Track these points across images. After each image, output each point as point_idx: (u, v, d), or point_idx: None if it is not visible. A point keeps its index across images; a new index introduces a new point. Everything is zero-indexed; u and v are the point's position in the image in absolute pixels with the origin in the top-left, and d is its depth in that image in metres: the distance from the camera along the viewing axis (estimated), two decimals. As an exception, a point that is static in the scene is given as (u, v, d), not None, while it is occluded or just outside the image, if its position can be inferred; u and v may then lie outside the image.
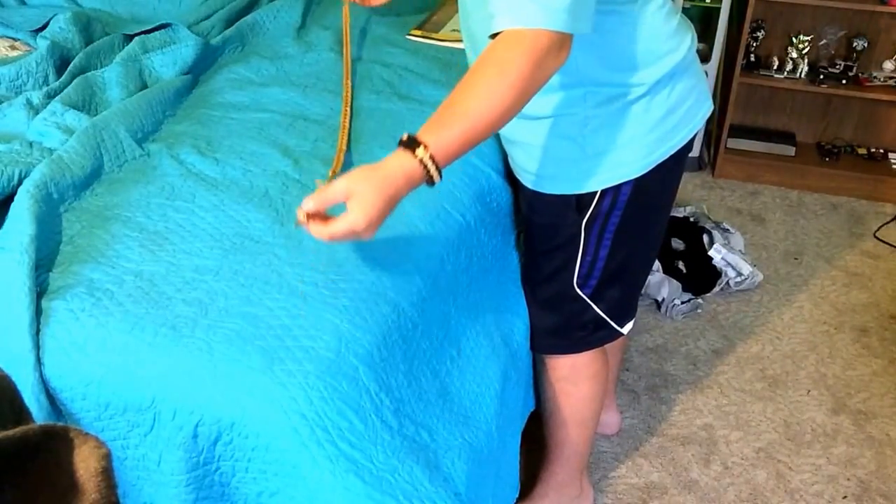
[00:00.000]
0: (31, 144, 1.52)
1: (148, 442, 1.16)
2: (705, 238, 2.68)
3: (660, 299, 2.54)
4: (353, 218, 1.12)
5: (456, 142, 1.15)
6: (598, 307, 1.59)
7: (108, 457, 0.52)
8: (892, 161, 3.14)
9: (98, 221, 1.36)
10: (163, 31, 1.92)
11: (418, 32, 2.06)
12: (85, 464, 0.51)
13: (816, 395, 2.27)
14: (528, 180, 1.51)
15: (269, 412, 1.10)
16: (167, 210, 1.39)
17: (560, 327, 1.64)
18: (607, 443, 2.12)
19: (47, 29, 1.92)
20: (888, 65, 3.00)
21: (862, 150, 3.20)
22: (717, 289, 2.59)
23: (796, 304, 2.58)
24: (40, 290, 1.22)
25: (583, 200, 1.46)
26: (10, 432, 0.49)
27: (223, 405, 1.12)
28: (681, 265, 2.63)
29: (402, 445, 1.19)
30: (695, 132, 1.47)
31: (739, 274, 2.59)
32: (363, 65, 1.90)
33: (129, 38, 1.93)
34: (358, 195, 1.12)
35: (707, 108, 1.49)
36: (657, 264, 2.56)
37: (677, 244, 2.70)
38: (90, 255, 1.29)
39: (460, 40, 2.02)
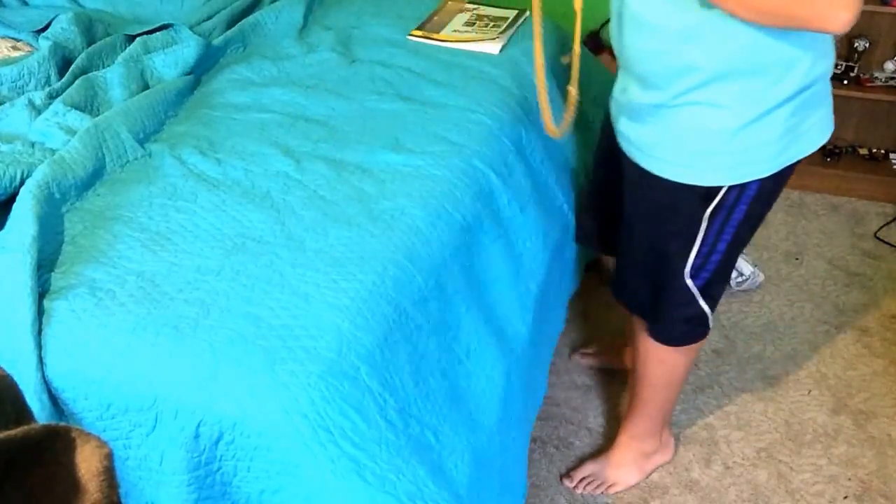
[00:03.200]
0: (33, 145, 1.52)
1: (150, 442, 1.16)
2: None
3: (661, 299, 2.54)
4: None
5: None
6: (704, 302, 1.62)
7: (109, 456, 0.52)
8: (894, 161, 3.14)
9: (100, 221, 1.37)
10: (165, 31, 1.93)
11: (419, 33, 2.07)
12: (87, 463, 0.51)
13: (817, 395, 2.27)
14: (655, 166, 1.50)
15: (271, 412, 1.11)
16: (169, 210, 1.40)
17: (662, 316, 1.67)
18: (608, 443, 2.12)
19: (49, 29, 1.93)
20: (889, 65, 3.00)
21: (863, 151, 3.19)
22: (718, 289, 2.59)
23: (797, 305, 2.57)
24: (42, 291, 1.23)
25: (710, 191, 1.48)
26: (12, 432, 0.50)
27: (225, 405, 1.12)
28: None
29: (406, 445, 1.19)
30: (823, 142, 1.49)
31: (741, 274, 2.59)
32: (364, 66, 1.91)
33: (131, 38, 1.93)
34: None
35: (832, 124, 1.51)
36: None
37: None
38: (92, 255, 1.29)
39: (461, 41, 2.03)
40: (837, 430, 2.17)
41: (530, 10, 1.47)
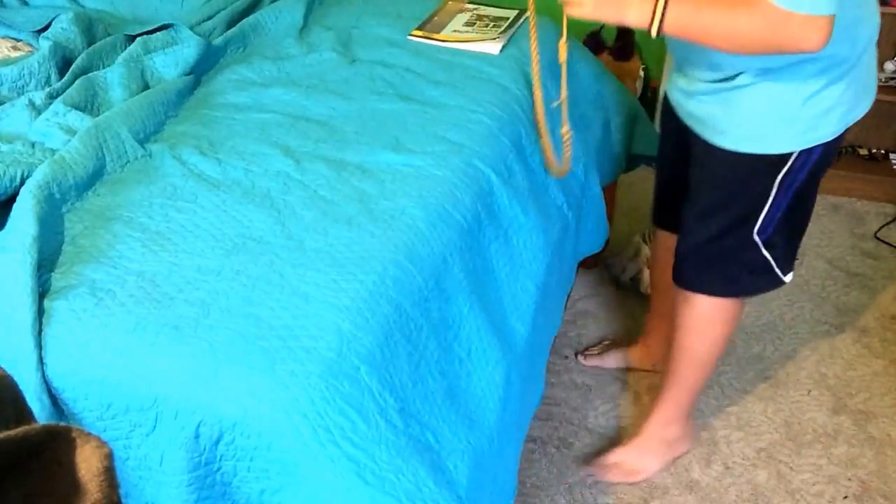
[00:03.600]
0: (33, 145, 1.52)
1: (150, 442, 1.16)
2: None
3: (661, 299, 2.55)
4: None
5: (685, 19, 1.37)
6: (769, 253, 1.70)
7: (109, 456, 0.52)
8: (893, 161, 3.14)
9: (100, 222, 1.37)
10: (165, 31, 1.93)
11: (419, 33, 2.07)
12: (87, 464, 0.51)
13: (817, 396, 2.27)
14: (727, 142, 1.60)
15: (271, 412, 1.11)
16: (169, 210, 1.40)
17: (728, 271, 1.75)
18: (608, 442, 2.12)
19: (49, 29, 1.93)
20: (889, 66, 3.00)
21: (863, 151, 3.19)
22: (718, 289, 2.58)
23: (797, 305, 2.58)
24: (42, 291, 1.23)
25: (782, 158, 1.57)
26: (13, 432, 0.50)
27: (225, 405, 1.12)
28: (682, 265, 2.63)
29: (406, 445, 1.19)
30: (871, 102, 1.61)
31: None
32: (364, 66, 1.91)
33: (132, 38, 1.93)
34: None
35: (876, 79, 1.62)
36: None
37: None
38: (92, 255, 1.29)
39: (461, 41, 2.03)
40: (837, 431, 2.17)
41: (530, 63, 1.68)
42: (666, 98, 1.80)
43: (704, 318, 1.83)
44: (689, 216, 1.77)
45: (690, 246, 1.78)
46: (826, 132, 1.55)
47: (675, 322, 1.90)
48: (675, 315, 1.90)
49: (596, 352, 2.36)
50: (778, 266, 1.74)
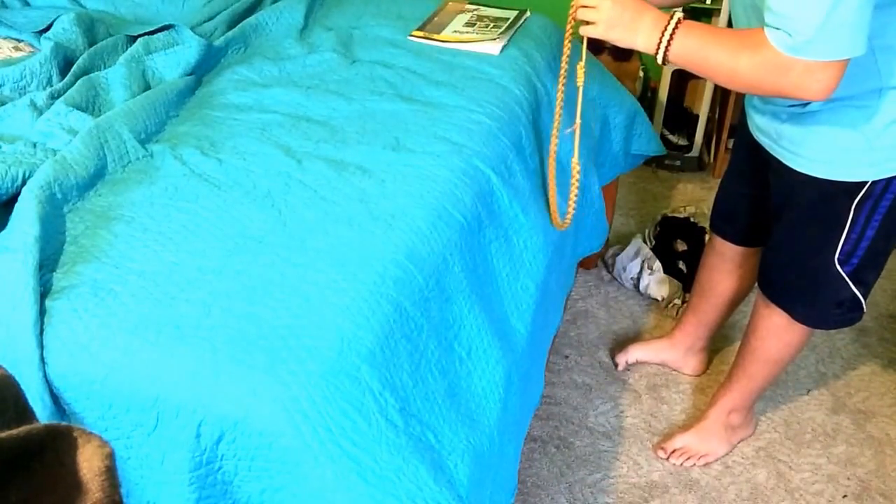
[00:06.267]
0: (34, 145, 1.53)
1: (151, 441, 1.16)
2: (706, 238, 2.68)
3: (660, 299, 2.55)
4: None
5: (690, 51, 1.39)
6: (856, 288, 1.67)
7: (111, 456, 0.53)
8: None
9: (102, 222, 1.37)
10: (166, 32, 1.93)
11: (420, 34, 2.07)
12: (88, 463, 0.52)
13: (816, 395, 2.27)
14: (799, 163, 1.58)
15: (272, 412, 1.11)
16: (170, 210, 1.40)
17: (814, 301, 1.74)
18: (608, 442, 2.12)
19: (51, 30, 1.93)
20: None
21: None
22: (718, 289, 2.58)
23: (797, 304, 2.58)
24: (44, 290, 1.23)
25: (857, 184, 1.54)
26: (15, 432, 0.50)
27: (226, 404, 1.13)
28: (682, 265, 2.63)
29: (407, 444, 1.20)
30: None
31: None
32: (365, 66, 1.91)
33: (133, 39, 1.94)
34: None
35: None
36: (657, 264, 2.57)
37: (679, 245, 2.70)
38: (94, 255, 1.30)
39: (462, 41, 2.03)
40: (836, 430, 2.17)
41: (555, 106, 1.67)
42: (743, 111, 1.80)
43: (780, 326, 1.83)
44: (774, 229, 1.76)
45: (777, 260, 1.77)
46: None
47: (751, 322, 1.91)
48: (752, 314, 1.91)
49: (638, 350, 2.35)
50: (865, 302, 1.72)
